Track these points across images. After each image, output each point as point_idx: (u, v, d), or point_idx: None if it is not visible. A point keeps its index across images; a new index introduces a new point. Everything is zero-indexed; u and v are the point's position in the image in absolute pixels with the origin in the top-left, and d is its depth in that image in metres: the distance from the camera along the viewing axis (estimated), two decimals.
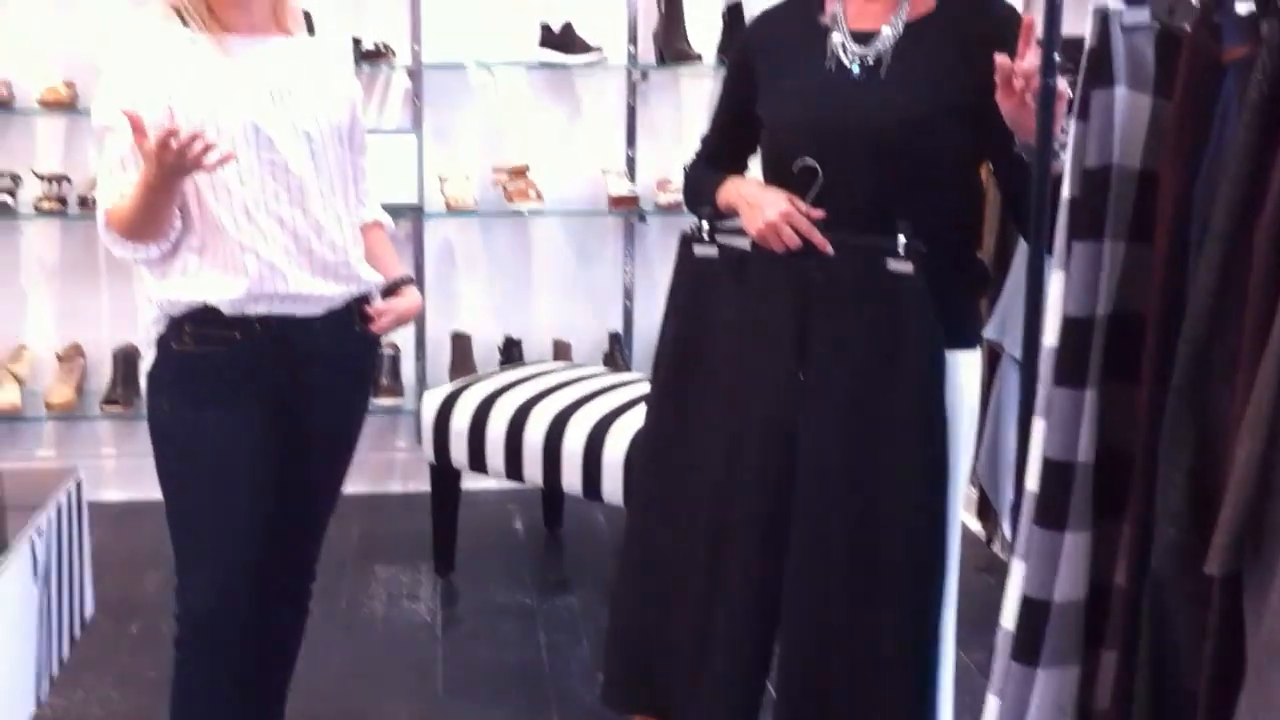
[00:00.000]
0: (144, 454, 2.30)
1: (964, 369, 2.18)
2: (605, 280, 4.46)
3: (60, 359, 4.19)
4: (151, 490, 2.28)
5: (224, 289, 2.17)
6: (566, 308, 4.45)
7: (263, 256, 2.17)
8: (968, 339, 2.21)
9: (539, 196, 4.18)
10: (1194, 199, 1.51)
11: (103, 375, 4.17)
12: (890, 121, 2.11)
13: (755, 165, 2.35)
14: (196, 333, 2.20)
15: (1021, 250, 3.02)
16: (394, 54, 4.14)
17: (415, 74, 4.15)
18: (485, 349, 4.35)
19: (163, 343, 2.23)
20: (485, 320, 4.40)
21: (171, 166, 1.98)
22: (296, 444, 2.30)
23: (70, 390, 4.09)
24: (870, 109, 2.12)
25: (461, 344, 4.32)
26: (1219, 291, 1.46)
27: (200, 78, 2.13)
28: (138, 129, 1.96)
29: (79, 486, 2.54)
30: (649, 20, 4.27)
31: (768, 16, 2.35)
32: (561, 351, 4.36)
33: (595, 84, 4.35)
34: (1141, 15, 1.56)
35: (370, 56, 4.06)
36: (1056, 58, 1.75)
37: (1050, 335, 1.64)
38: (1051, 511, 1.63)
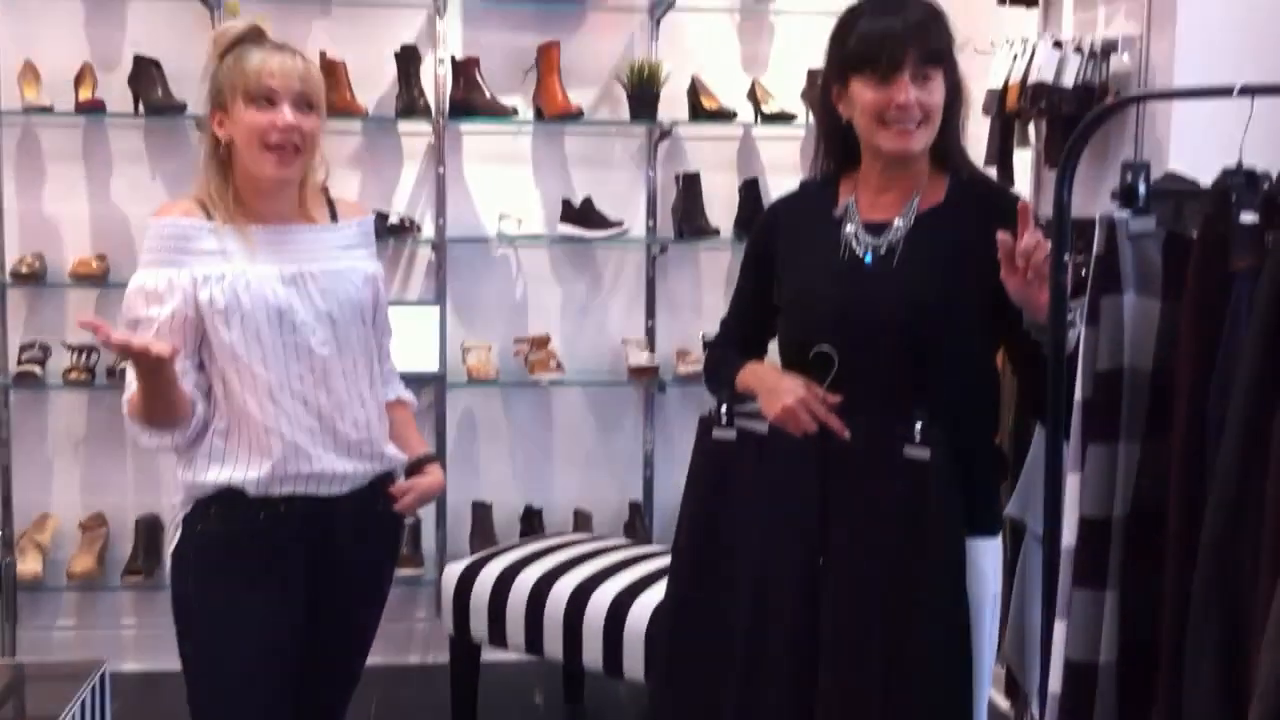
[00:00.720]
0: (164, 625, 2.31)
1: (985, 555, 2.18)
2: (626, 450, 4.47)
3: (83, 528, 4.19)
4: (171, 661, 2.29)
5: (249, 470, 2.19)
6: (587, 477, 4.45)
7: (287, 438, 2.20)
8: (988, 526, 2.21)
9: (560, 367, 4.22)
10: (1209, 401, 1.53)
11: (125, 545, 4.17)
12: (903, 309, 2.14)
13: (775, 347, 2.38)
14: (222, 513, 2.22)
15: (1040, 430, 3.03)
16: (419, 228, 4.23)
17: (439, 247, 4.23)
18: (506, 518, 4.34)
19: (188, 522, 2.25)
20: (506, 489, 4.40)
21: (136, 360, 2.07)
22: (319, 622, 2.29)
23: (92, 559, 4.09)
24: (883, 297, 2.16)
25: (482, 513, 4.32)
26: (1238, 493, 1.47)
27: (225, 267, 2.18)
28: (103, 335, 2.03)
29: (103, 680, 2.51)
30: (667, 196, 4.36)
31: (784, 205, 2.41)
32: (582, 521, 4.35)
33: (615, 257, 4.43)
34: (1147, 224, 1.59)
35: (395, 231, 4.15)
36: (1066, 257, 1.78)
37: (1069, 535, 1.64)
38: (1076, 715, 1.61)
